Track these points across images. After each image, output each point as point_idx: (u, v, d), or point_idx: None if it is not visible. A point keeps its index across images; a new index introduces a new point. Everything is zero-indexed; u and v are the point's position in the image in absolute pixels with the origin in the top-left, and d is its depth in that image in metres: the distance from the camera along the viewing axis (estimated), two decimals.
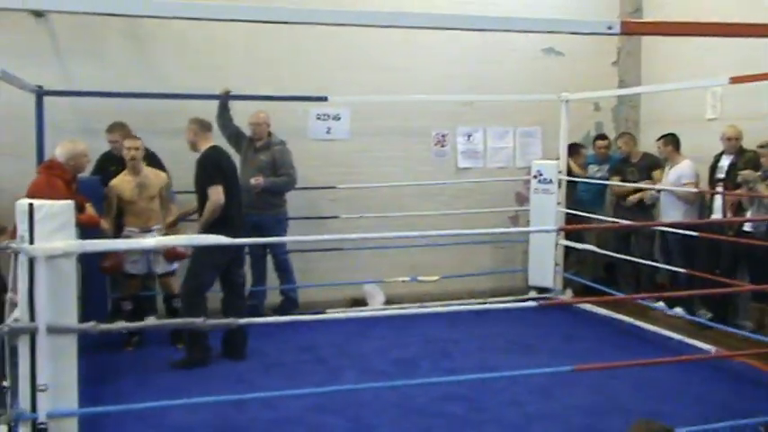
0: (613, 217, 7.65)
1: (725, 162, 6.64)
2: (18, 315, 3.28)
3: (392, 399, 4.94)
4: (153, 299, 6.59)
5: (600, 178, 7.87)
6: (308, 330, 6.49)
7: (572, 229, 7.76)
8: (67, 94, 6.63)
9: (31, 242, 3.24)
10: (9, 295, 3.41)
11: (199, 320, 3.59)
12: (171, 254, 6.01)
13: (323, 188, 7.52)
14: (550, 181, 7.65)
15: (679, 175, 7.00)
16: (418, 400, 4.95)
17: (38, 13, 6.57)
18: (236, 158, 6.48)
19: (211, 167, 5.71)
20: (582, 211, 7.59)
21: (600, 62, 8.55)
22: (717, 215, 6.60)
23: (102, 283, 6.09)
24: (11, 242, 3.31)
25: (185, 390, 5.09)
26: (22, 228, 3.25)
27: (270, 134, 6.90)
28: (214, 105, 6.85)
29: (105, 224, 5.84)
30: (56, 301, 3.27)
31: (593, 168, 8.04)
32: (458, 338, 6.49)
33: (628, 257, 7.28)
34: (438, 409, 4.86)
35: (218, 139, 6.35)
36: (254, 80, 7.18)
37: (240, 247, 6.04)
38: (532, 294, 7.75)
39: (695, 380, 5.37)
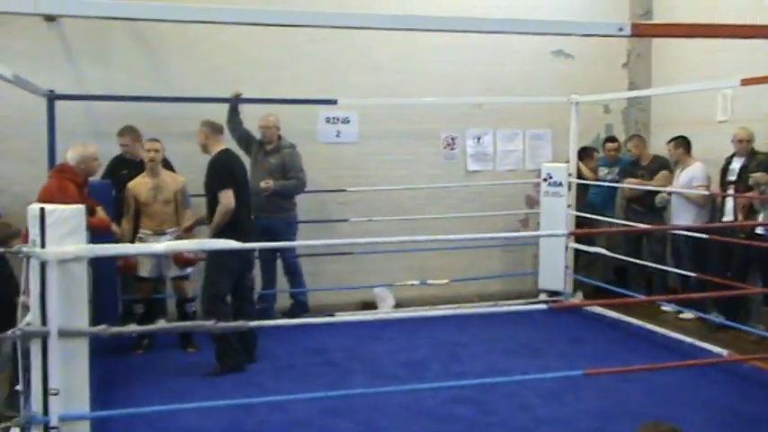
0: (624, 220, 7.62)
1: (736, 164, 6.61)
2: (30, 319, 3.30)
3: (402, 402, 4.93)
4: (163, 302, 6.62)
5: (610, 181, 7.84)
6: (317, 333, 6.49)
7: (582, 233, 7.72)
8: (79, 98, 6.66)
9: (43, 246, 3.25)
10: (22, 298, 3.42)
11: (209, 323, 3.60)
12: (180, 259, 6.03)
13: (332, 191, 7.53)
14: (560, 184, 7.63)
15: (690, 177, 6.97)
16: (427, 403, 4.94)
17: (49, 18, 6.60)
18: (246, 161, 6.49)
19: (222, 171, 5.70)
20: (593, 214, 7.57)
21: (610, 64, 8.52)
22: (728, 218, 6.57)
23: (113, 286, 6.11)
24: (23, 246, 3.32)
25: (196, 393, 5.12)
26: (34, 232, 3.26)
27: (280, 137, 6.92)
28: (224, 109, 6.86)
29: (116, 228, 5.87)
30: (67, 304, 3.29)
31: (603, 171, 8.02)
32: (467, 341, 6.48)
33: (638, 261, 7.25)
34: (447, 412, 4.86)
35: (228, 142, 6.36)
36: (264, 83, 7.20)
37: (250, 251, 6.05)
38: (543, 297, 7.72)
39: (706, 383, 5.34)
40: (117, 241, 5.77)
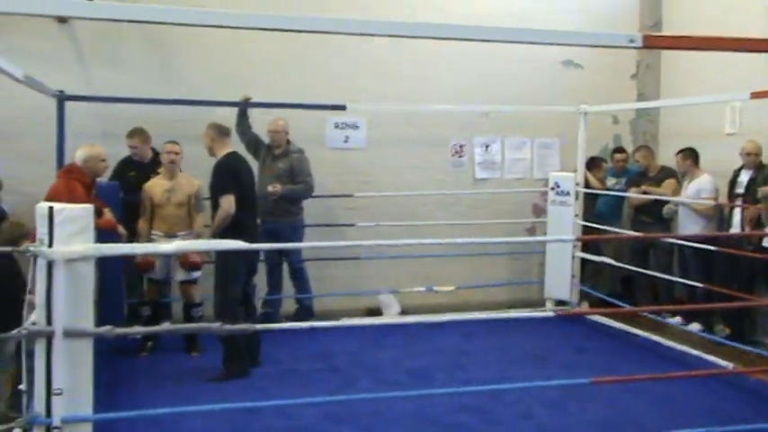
0: (631, 230, 7.60)
1: (744, 177, 6.59)
2: (35, 318, 3.30)
3: (405, 408, 4.92)
4: (169, 306, 6.62)
5: (617, 191, 7.82)
6: (322, 338, 6.49)
7: (589, 239, 7.70)
8: (89, 100, 6.68)
9: (51, 245, 3.26)
10: (29, 297, 3.43)
11: (215, 325, 3.60)
12: (186, 262, 6.03)
13: (340, 196, 7.53)
14: (568, 193, 7.61)
15: (698, 189, 6.95)
16: (431, 411, 4.92)
17: (61, 19, 6.64)
18: (255, 165, 6.50)
19: (226, 175, 5.68)
20: (600, 224, 7.54)
21: (619, 75, 8.52)
22: (736, 230, 6.54)
23: (118, 287, 6.12)
24: (30, 245, 3.33)
25: (200, 397, 5.11)
26: (42, 231, 3.27)
27: (288, 142, 6.93)
28: (234, 112, 6.88)
29: (122, 229, 5.87)
30: (73, 304, 3.29)
31: (610, 181, 8.00)
32: (472, 349, 6.47)
33: (645, 271, 7.23)
34: (451, 419, 4.84)
35: (236, 145, 6.38)
36: (273, 88, 7.21)
37: (256, 256, 6.04)
38: (549, 306, 7.71)
39: (711, 396, 5.30)
40: (123, 243, 5.77)
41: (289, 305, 7.16)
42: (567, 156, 8.17)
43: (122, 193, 6.33)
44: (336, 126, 7.73)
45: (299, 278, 7.07)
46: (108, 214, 5.63)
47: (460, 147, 8.14)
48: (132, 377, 5.65)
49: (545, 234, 7.94)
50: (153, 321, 6.19)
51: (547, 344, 6.65)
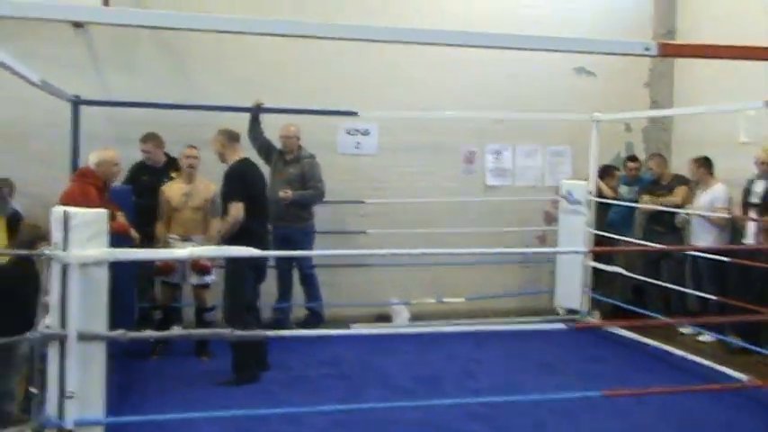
0: (643, 240, 7.55)
1: (759, 187, 6.54)
2: (49, 321, 3.31)
3: (414, 417, 4.89)
4: (179, 310, 6.64)
5: (630, 200, 7.78)
6: (332, 345, 6.48)
7: (602, 251, 7.65)
8: (103, 104, 6.73)
9: (65, 249, 3.27)
10: (44, 299, 3.44)
11: (226, 331, 3.60)
12: (197, 266, 6.04)
13: (351, 202, 7.53)
14: (579, 201, 7.58)
15: (712, 198, 6.90)
16: (441, 419, 4.90)
17: (77, 24, 6.69)
18: (266, 171, 6.51)
19: (236, 182, 5.67)
20: (611, 233, 7.50)
21: (632, 83, 8.49)
22: (749, 240, 6.50)
23: (130, 291, 6.13)
24: (46, 248, 3.35)
25: (209, 402, 5.12)
26: (57, 235, 3.28)
27: (300, 147, 6.94)
28: (246, 117, 6.91)
29: (134, 233, 5.88)
30: (87, 308, 3.31)
31: (623, 189, 7.96)
32: (482, 357, 6.44)
33: (657, 281, 7.19)
34: (460, 428, 4.82)
35: (248, 151, 6.39)
36: (285, 94, 7.23)
37: (265, 261, 6.05)
38: (560, 315, 7.67)
39: (725, 408, 5.25)
40: (135, 247, 5.78)
41: (299, 311, 7.16)
42: (579, 163, 8.15)
43: (135, 197, 6.35)
44: (348, 132, 7.75)
45: (310, 284, 7.07)
46: (121, 218, 5.64)
47: (471, 154, 8.14)
48: (143, 380, 5.66)
49: (556, 242, 7.91)
50: (164, 325, 6.20)
51: (558, 352, 6.62)
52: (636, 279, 7.45)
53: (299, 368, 6.02)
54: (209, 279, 6.23)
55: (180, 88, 7.17)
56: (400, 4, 7.72)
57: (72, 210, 3.34)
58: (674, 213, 7.27)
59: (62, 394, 3.29)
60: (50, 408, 3.33)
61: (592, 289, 7.64)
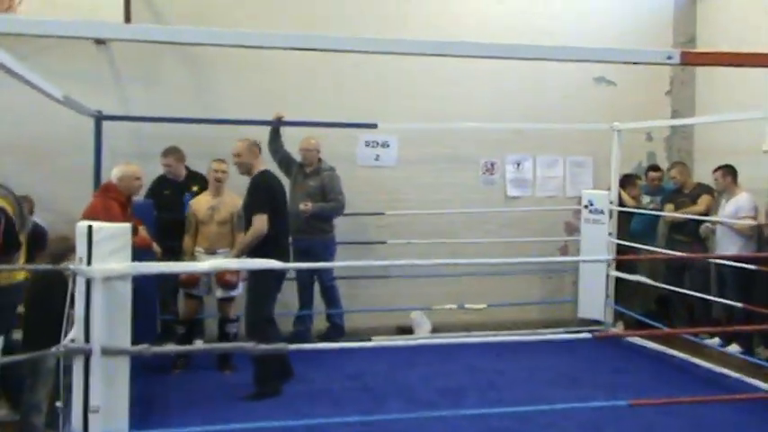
0: (665, 249, 7.46)
1: None
2: (74, 335, 3.34)
3: (437, 429, 4.85)
4: (201, 322, 6.66)
5: (652, 210, 7.71)
6: (353, 357, 6.46)
7: (626, 259, 7.56)
8: (125, 119, 6.80)
9: (89, 264, 3.29)
10: (71, 311, 3.46)
11: (249, 345, 3.60)
12: (222, 280, 6.05)
13: (371, 214, 7.53)
14: (601, 211, 7.53)
15: (737, 207, 6.81)
16: (463, 431, 4.87)
17: (99, 41, 6.77)
18: (286, 183, 6.53)
19: (263, 194, 5.66)
20: (634, 243, 7.43)
21: (653, 91, 8.44)
22: None
23: (153, 304, 6.17)
24: (69, 263, 3.37)
25: (232, 415, 5.12)
26: (81, 249, 3.31)
27: (320, 160, 6.96)
28: (266, 130, 6.94)
29: (156, 247, 5.91)
30: (111, 322, 3.32)
31: (645, 199, 7.89)
32: (505, 369, 6.39)
33: (681, 290, 7.10)
34: None
35: (268, 163, 6.42)
36: (305, 106, 7.27)
37: (284, 274, 6.04)
38: (582, 326, 7.59)
39: (752, 421, 5.15)
40: (158, 261, 5.81)
41: (320, 323, 7.16)
42: (600, 173, 8.10)
43: (156, 211, 6.39)
44: (367, 144, 7.76)
45: (331, 296, 7.07)
46: (143, 232, 5.69)
47: (492, 165, 8.12)
48: (165, 394, 5.68)
49: (578, 252, 7.86)
50: (187, 338, 6.23)
51: (581, 364, 6.56)
52: (659, 289, 7.37)
53: (321, 381, 6.02)
54: (234, 292, 6.24)
55: (201, 102, 7.23)
56: (418, 17, 7.73)
57: (96, 224, 3.36)
58: (697, 223, 7.19)
59: (86, 408, 3.30)
60: (75, 422, 3.34)
61: (615, 299, 7.57)
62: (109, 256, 3.31)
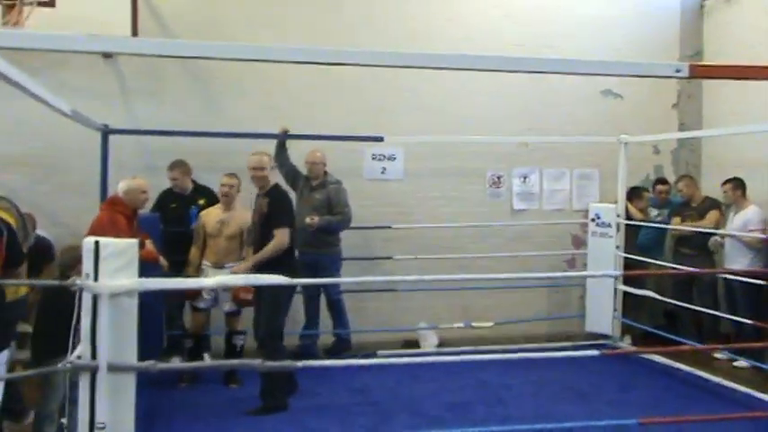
0: (672, 263, 7.42)
1: None
2: (80, 351, 3.32)
3: None
4: (208, 337, 6.64)
5: (660, 223, 7.67)
6: (360, 372, 6.43)
7: (635, 274, 7.49)
8: (132, 133, 6.81)
9: (96, 279, 3.28)
10: (78, 325, 3.43)
11: (256, 362, 3.58)
12: (237, 298, 5.96)
13: (377, 228, 7.51)
14: (608, 224, 7.49)
15: (745, 220, 6.78)
16: None
17: (107, 55, 6.79)
18: (292, 196, 6.51)
19: (287, 208, 5.72)
20: (641, 256, 7.39)
21: (659, 105, 8.43)
22: None
23: (158, 318, 6.14)
24: (76, 278, 3.36)
25: (237, 429, 5.11)
26: (88, 265, 3.29)
27: (326, 173, 6.95)
28: (272, 144, 6.94)
29: (163, 260, 5.90)
30: (117, 338, 3.30)
31: (652, 212, 7.86)
32: (512, 384, 6.34)
33: (688, 305, 7.05)
34: None
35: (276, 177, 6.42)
36: (311, 120, 7.27)
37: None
38: (590, 340, 7.54)
39: None
40: (164, 274, 5.80)
41: (326, 337, 7.13)
42: (607, 186, 8.07)
43: (163, 225, 6.39)
44: (374, 157, 7.75)
45: (337, 310, 7.04)
46: (149, 245, 5.67)
47: (498, 178, 8.10)
48: (171, 408, 5.65)
49: (585, 265, 7.81)
50: (194, 353, 6.20)
51: (589, 379, 6.49)
52: (667, 303, 7.32)
53: (327, 395, 5.98)
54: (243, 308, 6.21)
55: (207, 116, 7.25)
56: (424, 30, 7.73)
57: (103, 240, 3.34)
58: (703, 236, 7.14)
59: (92, 425, 3.27)
60: None
61: (622, 313, 7.52)
62: (116, 271, 3.29)
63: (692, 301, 7.20)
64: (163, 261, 5.89)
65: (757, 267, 6.68)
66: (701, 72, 3.81)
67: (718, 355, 7.02)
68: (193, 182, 6.85)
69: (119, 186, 5.67)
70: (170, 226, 6.45)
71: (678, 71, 3.33)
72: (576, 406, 5.81)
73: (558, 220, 8.15)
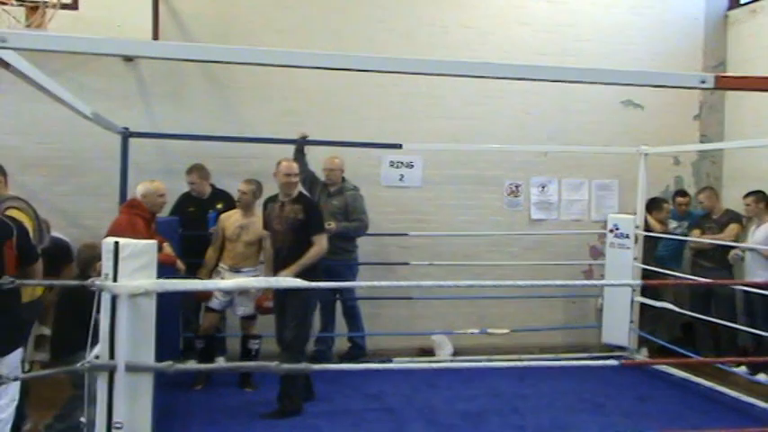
0: (691, 275, 7.34)
1: None
2: (98, 351, 3.33)
3: None
4: (223, 340, 6.65)
5: (679, 235, 7.59)
6: (375, 378, 6.41)
7: (654, 284, 7.43)
8: (152, 136, 6.84)
9: (115, 280, 3.29)
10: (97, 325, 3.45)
11: (272, 365, 3.58)
12: (260, 306, 5.97)
13: (394, 235, 7.49)
14: (627, 236, 7.42)
15: (766, 233, 6.70)
16: None
17: (128, 58, 6.84)
18: None
19: (321, 214, 5.85)
20: (659, 269, 7.31)
21: (681, 116, 8.36)
22: None
23: (175, 321, 6.16)
24: (95, 279, 3.38)
25: None
26: (107, 265, 3.31)
27: (343, 180, 6.95)
28: (290, 149, 6.95)
29: (181, 264, 5.91)
30: (135, 339, 3.31)
31: (672, 224, 7.78)
32: (528, 393, 6.30)
33: (707, 318, 6.97)
34: None
35: None
36: (329, 126, 7.28)
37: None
38: (606, 352, 7.47)
39: None
40: (181, 278, 5.81)
41: (341, 343, 7.12)
42: (626, 197, 8.01)
43: (181, 228, 6.41)
44: (392, 164, 7.74)
45: (353, 316, 7.03)
46: (167, 249, 5.69)
47: (516, 187, 8.06)
48: (187, 411, 5.66)
49: (602, 277, 7.75)
50: (206, 353, 6.20)
51: (606, 390, 6.43)
52: (685, 316, 7.24)
53: (342, 401, 5.97)
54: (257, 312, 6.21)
55: (226, 120, 7.27)
56: (443, 38, 7.72)
57: (122, 241, 3.36)
58: (722, 249, 7.06)
59: (110, 425, 3.29)
60: None
61: (639, 324, 7.44)
62: (135, 272, 3.31)
63: (709, 314, 7.12)
64: (180, 265, 5.91)
65: None
66: (727, 83, 3.76)
67: (735, 369, 6.92)
68: (212, 186, 6.87)
69: (137, 189, 5.71)
70: (188, 230, 6.48)
71: (703, 82, 3.29)
72: (592, 417, 5.76)
73: (575, 230, 8.09)
